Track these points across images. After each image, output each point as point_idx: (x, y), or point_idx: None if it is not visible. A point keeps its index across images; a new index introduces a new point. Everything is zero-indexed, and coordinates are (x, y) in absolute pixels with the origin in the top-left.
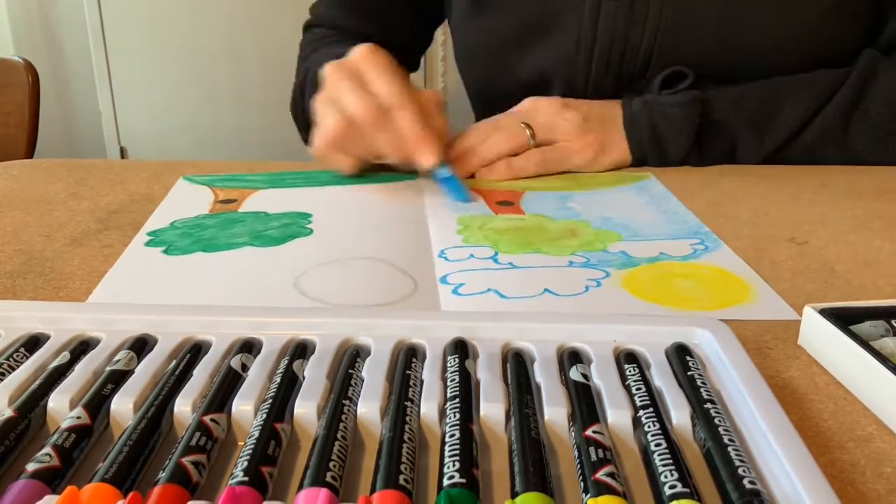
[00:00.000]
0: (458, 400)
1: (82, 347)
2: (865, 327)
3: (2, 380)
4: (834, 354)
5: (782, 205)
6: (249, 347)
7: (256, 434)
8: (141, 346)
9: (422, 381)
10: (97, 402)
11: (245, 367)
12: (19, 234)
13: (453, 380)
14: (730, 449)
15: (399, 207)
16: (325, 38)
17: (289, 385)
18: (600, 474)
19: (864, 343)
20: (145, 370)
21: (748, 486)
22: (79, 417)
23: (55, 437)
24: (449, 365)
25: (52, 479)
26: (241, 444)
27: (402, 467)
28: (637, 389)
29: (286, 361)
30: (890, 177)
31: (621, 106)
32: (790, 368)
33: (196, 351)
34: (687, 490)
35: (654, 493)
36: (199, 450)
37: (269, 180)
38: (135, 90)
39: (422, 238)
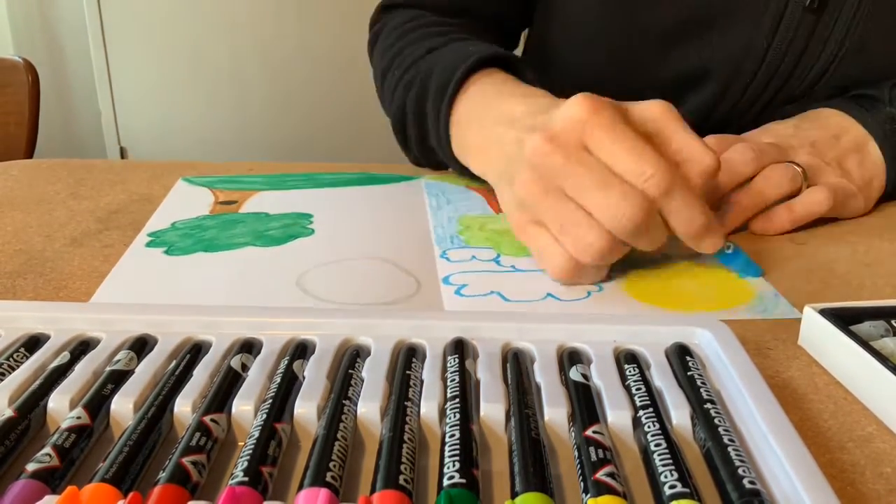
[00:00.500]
0: (458, 400)
1: (82, 347)
2: (865, 327)
3: (2, 380)
4: (834, 354)
5: None
6: (249, 347)
7: (256, 434)
8: (141, 346)
9: (422, 381)
10: (97, 403)
11: (245, 368)
12: (19, 234)
13: (453, 380)
14: (730, 449)
15: (400, 208)
16: (426, 25)
17: (289, 385)
18: (600, 474)
19: (864, 343)
20: (145, 370)
21: (748, 486)
22: (79, 417)
23: (55, 437)
24: (449, 365)
25: (52, 479)
26: (241, 444)
27: (402, 467)
28: (637, 389)
29: (286, 361)
30: None
31: (859, 123)
32: (790, 368)
33: (196, 351)
34: (687, 490)
35: (654, 493)
36: (199, 450)
37: (269, 182)
38: (135, 90)
39: (423, 238)
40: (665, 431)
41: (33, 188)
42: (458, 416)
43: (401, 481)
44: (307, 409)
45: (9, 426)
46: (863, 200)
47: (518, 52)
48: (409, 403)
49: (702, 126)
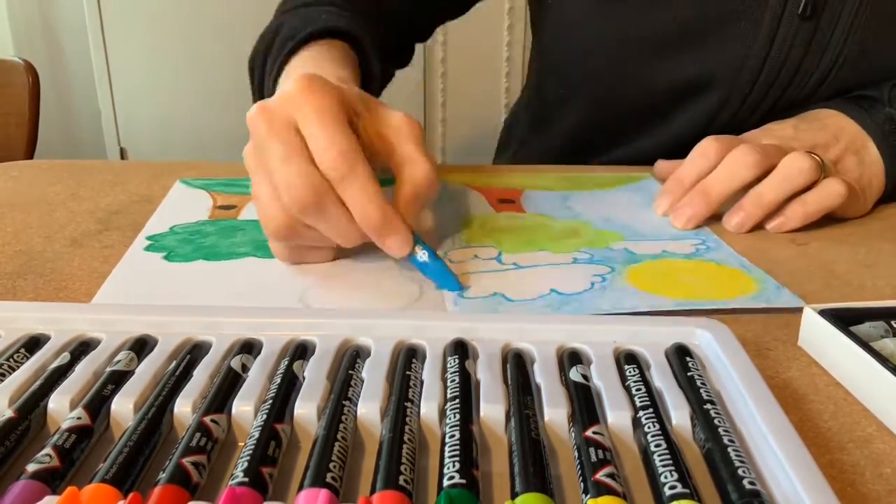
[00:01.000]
0: (458, 400)
1: (82, 348)
2: (865, 328)
3: (2, 380)
4: (834, 355)
5: None
6: (249, 348)
7: (256, 435)
8: (141, 346)
9: (422, 382)
10: (97, 403)
11: (245, 368)
12: (19, 234)
13: (453, 380)
14: (730, 449)
15: None
16: None
17: (289, 386)
18: (600, 475)
19: (864, 344)
20: (145, 371)
21: (748, 486)
22: (79, 418)
23: (55, 437)
24: (449, 365)
25: (52, 480)
26: (241, 444)
27: (402, 468)
28: (637, 390)
29: (286, 362)
30: None
31: (858, 124)
32: (790, 369)
33: (196, 352)
34: (687, 490)
35: (654, 494)
36: (199, 450)
37: None
38: (135, 90)
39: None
40: (665, 432)
41: (33, 188)
42: (458, 416)
43: (401, 482)
44: (307, 410)
45: (9, 427)
46: (863, 201)
47: (514, 52)
48: (409, 404)
49: (702, 136)
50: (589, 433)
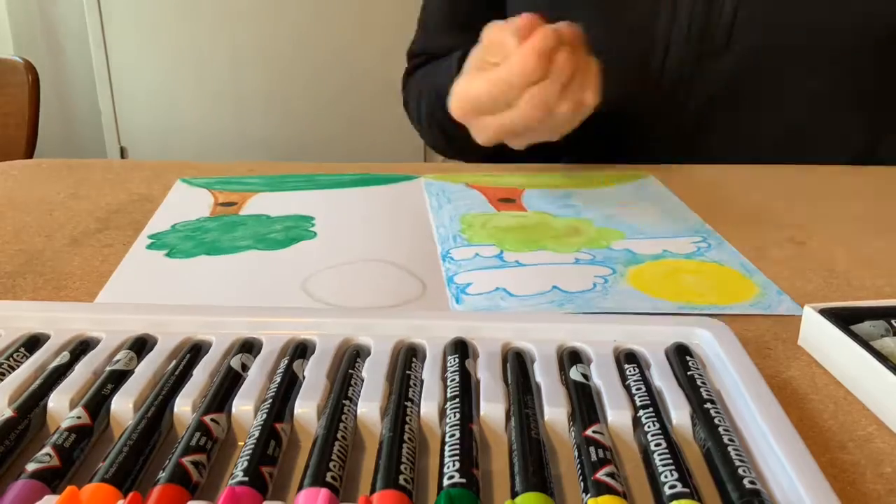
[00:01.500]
0: (458, 400)
1: (82, 347)
2: (865, 327)
3: (2, 380)
4: (834, 354)
5: (782, 204)
6: (249, 347)
7: (256, 434)
8: (141, 346)
9: (422, 381)
10: (97, 402)
11: (245, 367)
12: (19, 234)
13: (453, 380)
14: (730, 449)
15: (401, 208)
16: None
17: (289, 385)
18: (600, 474)
19: (864, 343)
20: (145, 370)
21: (748, 486)
22: (79, 417)
23: (55, 437)
24: (449, 365)
25: (51, 479)
26: (241, 444)
27: (402, 467)
28: (637, 389)
29: (286, 361)
30: (890, 177)
31: None
32: (790, 368)
33: (196, 351)
34: (687, 490)
35: (654, 493)
36: (199, 450)
37: (268, 183)
38: (135, 90)
39: (426, 239)
40: (665, 431)
41: (33, 188)
42: (458, 415)
43: (401, 481)
44: (307, 409)
45: (9, 426)
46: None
47: None
48: (409, 403)
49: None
50: (589, 432)
